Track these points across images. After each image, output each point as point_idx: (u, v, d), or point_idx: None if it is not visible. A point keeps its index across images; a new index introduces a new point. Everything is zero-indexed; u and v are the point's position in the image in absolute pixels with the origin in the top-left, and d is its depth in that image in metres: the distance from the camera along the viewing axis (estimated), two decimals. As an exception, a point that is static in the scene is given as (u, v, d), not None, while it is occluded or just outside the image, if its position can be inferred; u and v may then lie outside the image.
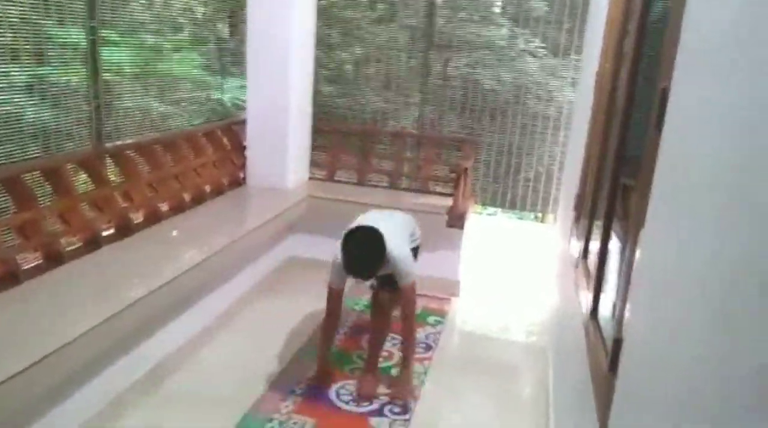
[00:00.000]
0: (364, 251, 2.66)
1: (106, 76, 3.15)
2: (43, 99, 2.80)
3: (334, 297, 2.90)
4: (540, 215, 5.33)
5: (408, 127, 4.69)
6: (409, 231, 3.05)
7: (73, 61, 2.95)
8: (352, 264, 2.65)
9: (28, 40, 2.69)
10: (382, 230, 2.72)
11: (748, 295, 0.73)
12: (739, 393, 0.70)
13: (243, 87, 4.43)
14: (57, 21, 2.82)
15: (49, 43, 2.80)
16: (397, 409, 2.82)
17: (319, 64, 4.60)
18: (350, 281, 2.92)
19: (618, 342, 1.38)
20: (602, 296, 1.88)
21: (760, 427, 0.64)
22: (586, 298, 2.05)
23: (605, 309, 1.79)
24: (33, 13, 2.68)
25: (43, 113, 2.80)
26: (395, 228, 2.89)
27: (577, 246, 2.62)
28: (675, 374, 0.97)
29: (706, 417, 0.80)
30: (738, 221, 0.81)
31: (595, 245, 2.20)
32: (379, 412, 2.80)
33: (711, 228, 0.91)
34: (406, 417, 2.78)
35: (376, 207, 4.09)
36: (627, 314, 1.37)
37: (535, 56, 4.41)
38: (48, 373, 2.05)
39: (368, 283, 3.06)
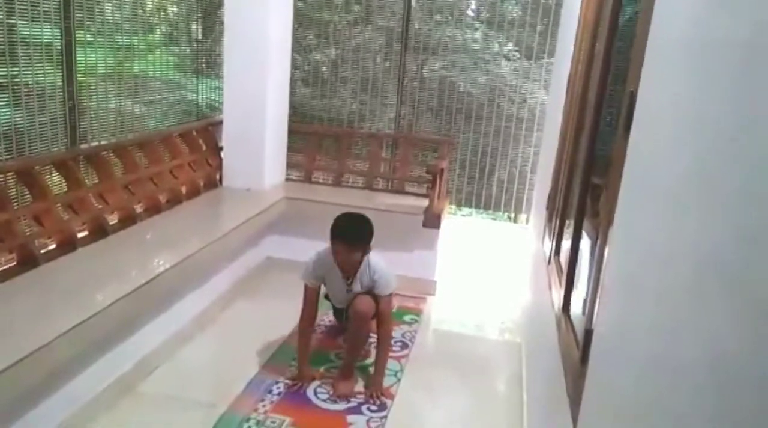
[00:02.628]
0: (352, 220, 2.93)
1: (81, 76, 3.13)
2: (16, 100, 2.77)
3: (310, 295, 3.02)
4: (512, 215, 5.43)
5: (384, 128, 4.74)
6: None
7: (47, 62, 2.92)
8: (339, 226, 2.90)
9: (0, 40, 2.66)
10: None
11: (711, 289, 0.78)
12: (702, 380, 0.75)
13: (218, 88, 4.43)
14: (30, 21, 2.79)
15: (23, 44, 2.77)
16: (374, 407, 2.86)
17: (294, 65, 4.62)
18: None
19: (589, 334, 1.43)
20: (574, 291, 1.94)
21: (721, 411, 0.69)
22: (558, 294, 2.12)
23: (576, 304, 1.86)
24: (5, 13, 2.65)
25: (16, 113, 2.77)
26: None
27: (549, 244, 2.69)
28: (643, 363, 1.02)
29: (672, 403, 0.85)
30: (702, 219, 0.86)
31: (566, 243, 2.27)
32: (356, 410, 2.83)
33: (676, 226, 0.96)
34: (383, 414, 2.82)
35: (352, 208, 4.13)
36: (597, 307, 1.43)
37: (508, 59, 4.49)
38: (22, 377, 2.03)
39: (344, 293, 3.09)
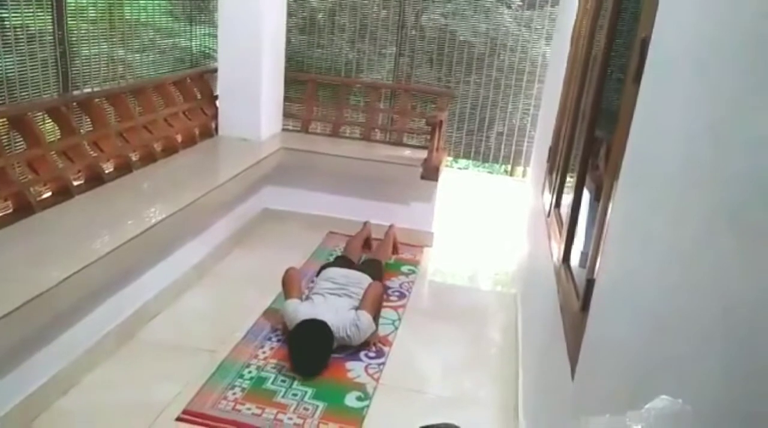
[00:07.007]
0: (312, 350, 2.75)
1: (71, 20, 3.03)
2: (5, 44, 2.68)
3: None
4: (509, 168, 5.41)
5: (382, 79, 4.65)
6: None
7: (36, 4, 2.82)
8: (300, 363, 2.73)
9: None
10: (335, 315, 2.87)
11: (723, 238, 0.77)
12: (712, 328, 0.75)
13: (212, 35, 4.31)
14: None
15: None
16: (372, 354, 2.91)
17: (289, 12, 4.49)
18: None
19: (590, 283, 1.44)
20: (574, 242, 1.95)
21: (724, 360, 0.70)
22: (558, 245, 2.12)
23: (577, 255, 1.87)
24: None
25: (6, 58, 2.69)
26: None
27: (549, 197, 2.69)
28: (648, 311, 1.03)
29: (680, 350, 0.86)
30: (711, 172, 0.85)
31: (567, 196, 2.26)
32: (355, 356, 2.88)
33: (688, 176, 0.95)
34: (381, 360, 2.87)
35: (350, 160, 4.10)
36: (599, 258, 1.43)
37: (509, 7, 4.38)
38: (20, 324, 2.04)
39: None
